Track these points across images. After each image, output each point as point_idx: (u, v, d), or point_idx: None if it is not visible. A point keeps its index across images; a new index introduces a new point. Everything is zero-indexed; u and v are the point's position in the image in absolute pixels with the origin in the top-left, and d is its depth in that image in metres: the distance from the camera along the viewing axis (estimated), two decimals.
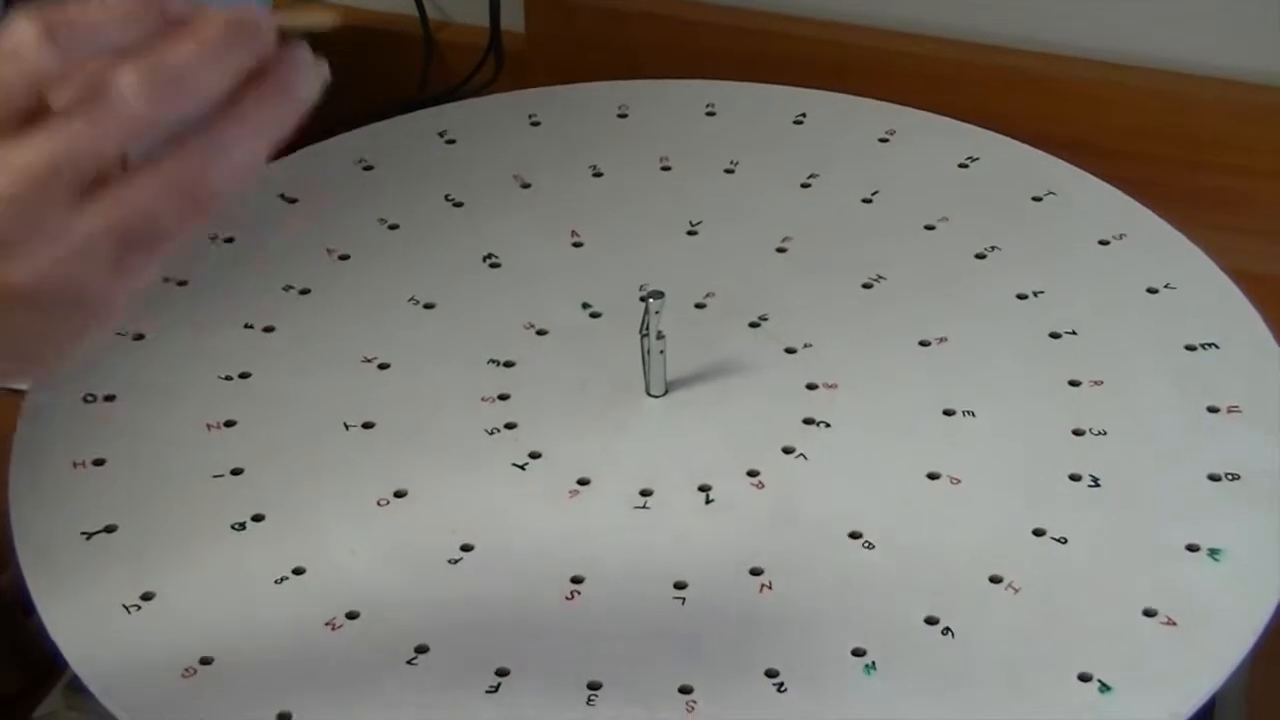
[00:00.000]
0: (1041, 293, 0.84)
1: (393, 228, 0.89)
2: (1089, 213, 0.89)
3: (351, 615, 0.70)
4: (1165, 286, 0.84)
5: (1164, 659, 0.67)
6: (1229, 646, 0.67)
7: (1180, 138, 1.02)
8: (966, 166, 0.92)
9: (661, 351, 0.78)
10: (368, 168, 0.94)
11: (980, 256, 0.86)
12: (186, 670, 0.68)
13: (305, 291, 0.86)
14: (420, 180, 0.92)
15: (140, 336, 0.83)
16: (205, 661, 0.68)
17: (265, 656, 0.68)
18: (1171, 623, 0.68)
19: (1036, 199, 0.90)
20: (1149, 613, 0.69)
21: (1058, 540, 0.72)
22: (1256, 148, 1.01)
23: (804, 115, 0.96)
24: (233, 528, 0.74)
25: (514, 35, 1.17)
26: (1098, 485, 0.74)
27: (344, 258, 0.88)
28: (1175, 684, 0.66)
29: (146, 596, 0.71)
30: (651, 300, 0.77)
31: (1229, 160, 1.02)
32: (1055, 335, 0.82)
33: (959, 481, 0.75)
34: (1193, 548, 0.71)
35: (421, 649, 0.68)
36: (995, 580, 0.70)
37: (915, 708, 0.65)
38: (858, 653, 0.67)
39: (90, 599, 0.71)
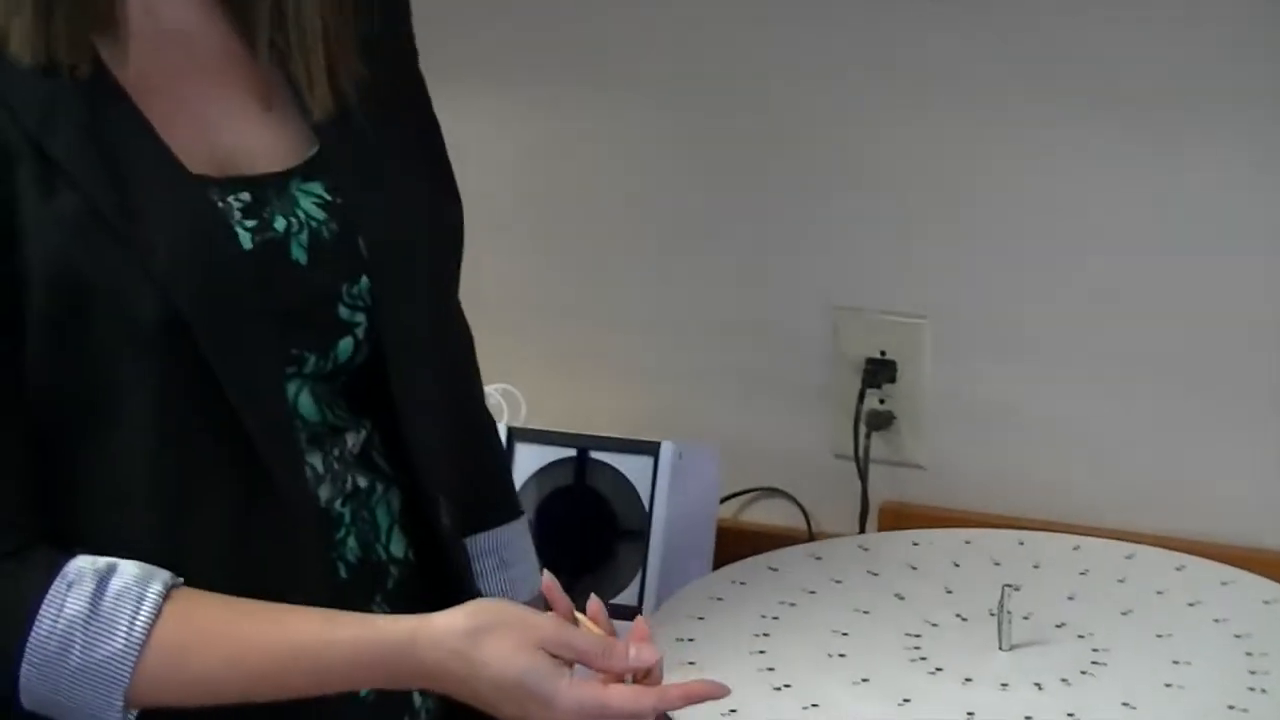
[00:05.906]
0: (1250, 635, 1.43)
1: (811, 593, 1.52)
2: None
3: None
4: None
5: None
6: None
7: None
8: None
9: (1009, 623, 1.38)
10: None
11: (1191, 605, 1.46)
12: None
13: None
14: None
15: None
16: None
17: None
18: None
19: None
20: None
21: (1241, 709, 1.29)
22: None
23: (1078, 546, 1.58)
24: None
25: None
26: (1264, 692, 1.32)
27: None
28: None
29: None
30: (1007, 588, 1.38)
31: None
32: (1238, 635, 1.41)
33: (1183, 687, 1.33)
34: None
35: None
36: None
37: None
38: None
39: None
